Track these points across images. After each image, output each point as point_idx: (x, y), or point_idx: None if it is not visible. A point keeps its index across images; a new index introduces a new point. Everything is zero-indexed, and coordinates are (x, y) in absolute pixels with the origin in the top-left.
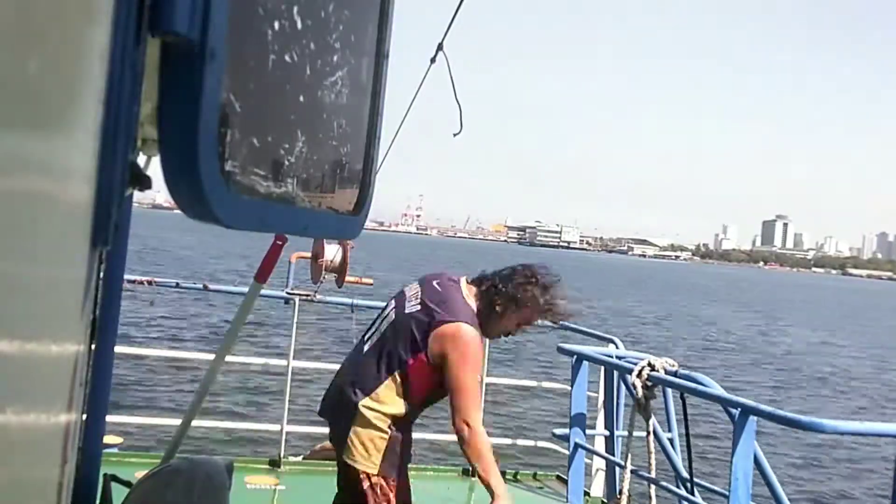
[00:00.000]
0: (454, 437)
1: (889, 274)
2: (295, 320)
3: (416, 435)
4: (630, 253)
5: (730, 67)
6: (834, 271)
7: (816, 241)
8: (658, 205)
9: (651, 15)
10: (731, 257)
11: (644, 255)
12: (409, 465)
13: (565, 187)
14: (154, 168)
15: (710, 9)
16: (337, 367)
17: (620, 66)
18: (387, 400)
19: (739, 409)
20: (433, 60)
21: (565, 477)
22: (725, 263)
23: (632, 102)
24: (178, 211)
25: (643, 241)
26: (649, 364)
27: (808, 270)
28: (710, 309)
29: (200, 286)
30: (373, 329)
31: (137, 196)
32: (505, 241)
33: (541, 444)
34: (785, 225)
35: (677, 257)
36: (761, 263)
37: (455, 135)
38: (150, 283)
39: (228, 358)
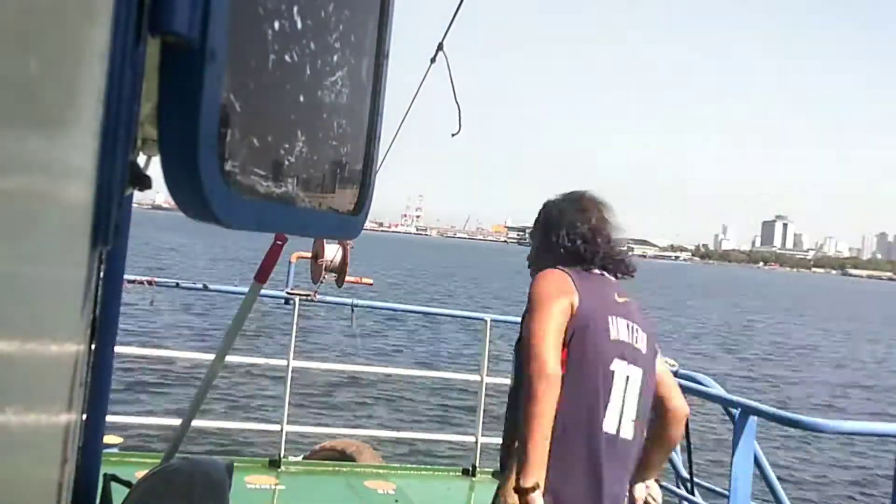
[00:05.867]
0: (454, 437)
1: (889, 274)
2: (295, 320)
3: (415, 434)
4: (630, 253)
5: (730, 66)
6: (834, 272)
7: (816, 242)
8: (658, 205)
9: (650, 14)
10: (730, 257)
11: (644, 256)
12: (410, 465)
13: (565, 188)
14: (154, 168)
15: (710, 7)
16: (337, 366)
17: (621, 65)
18: None
19: (739, 409)
20: (433, 60)
21: None
22: (725, 264)
23: (631, 102)
24: (179, 212)
25: (643, 242)
26: None
27: (808, 271)
28: (710, 309)
29: (200, 286)
30: None
31: (137, 196)
32: (505, 241)
33: None
34: (785, 225)
35: (677, 258)
36: (761, 264)
37: (454, 135)
38: (150, 283)
39: (228, 358)
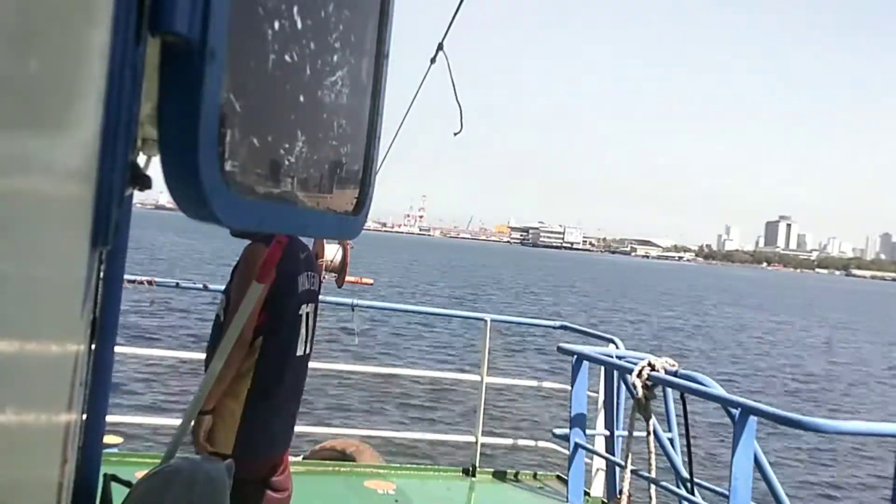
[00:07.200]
0: (455, 437)
1: (892, 275)
2: None
3: (415, 434)
4: (633, 254)
5: (735, 67)
6: (837, 272)
7: (819, 242)
8: (661, 206)
9: (651, 13)
10: (734, 258)
11: (647, 256)
12: (410, 465)
13: (568, 188)
14: (154, 168)
15: (713, 7)
16: (337, 366)
17: (622, 66)
18: None
19: (739, 409)
20: (433, 60)
21: (565, 477)
22: (729, 264)
23: (634, 103)
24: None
25: (646, 242)
26: (649, 364)
27: (811, 271)
28: (712, 309)
29: (200, 286)
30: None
31: (140, 197)
32: (508, 241)
33: (541, 444)
34: (788, 226)
35: (680, 258)
36: (764, 264)
37: (455, 134)
38: (150, 283)
39: None
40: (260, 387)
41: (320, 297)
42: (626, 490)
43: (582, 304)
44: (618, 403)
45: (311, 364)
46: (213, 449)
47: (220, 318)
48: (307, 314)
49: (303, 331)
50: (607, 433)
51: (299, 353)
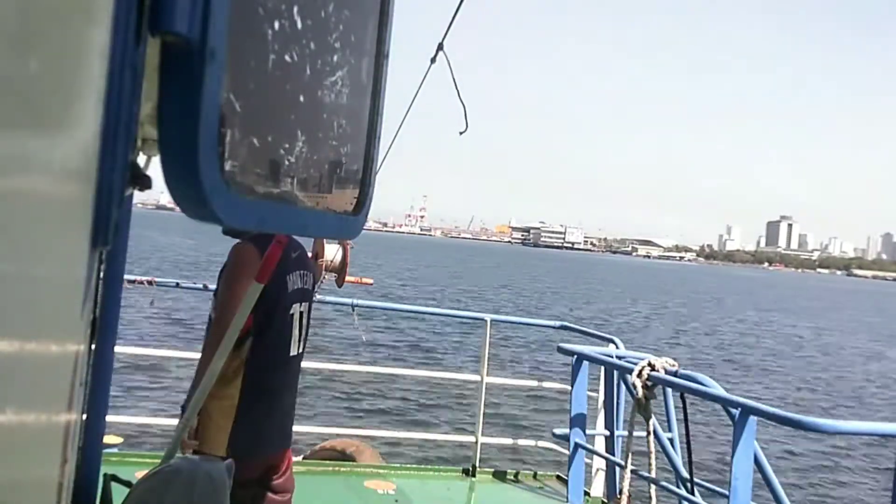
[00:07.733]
0: (455, 437)
1: (894, 275)
2: None
3: (415, 434)
4: (634, 254)
5: (736, 67)
6: (839, 272)
7: (821, 242)
8: (662, 206)
9: (651, 13)
10: (735, 258)
11: (648, 256)
12: (410, 465)
13: (569, 188)
14: (154, 168)
15: (715, 7)
16: (337, 367)
17: (623, 65)
18: None
19: (739, 409)
20: (433, 60)
21: (565, 477)
22: (730, 264)
23: (635, 103)
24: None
25: (647, 242)
26: (649, 364)
27: (812, 271)
28: (712, 309)
29: (200, 286)
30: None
31: (140, 197)
32: (509, 241)
33: (541, 444)
34: (790, 226)
35: (682, 258)
36: (766, 264)
37: (461, 133)
38: (150, 283)
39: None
40: (251, 388)
41: (321, 297)
42: (626, 490)
43: (582, 304)
44: (618, 403)
45: (311, 364)
46: (203, 449)
47: (212, 320)
48: (300, 314)
49: (295, 331)
50: (607, 433)
51: (292, 352)
